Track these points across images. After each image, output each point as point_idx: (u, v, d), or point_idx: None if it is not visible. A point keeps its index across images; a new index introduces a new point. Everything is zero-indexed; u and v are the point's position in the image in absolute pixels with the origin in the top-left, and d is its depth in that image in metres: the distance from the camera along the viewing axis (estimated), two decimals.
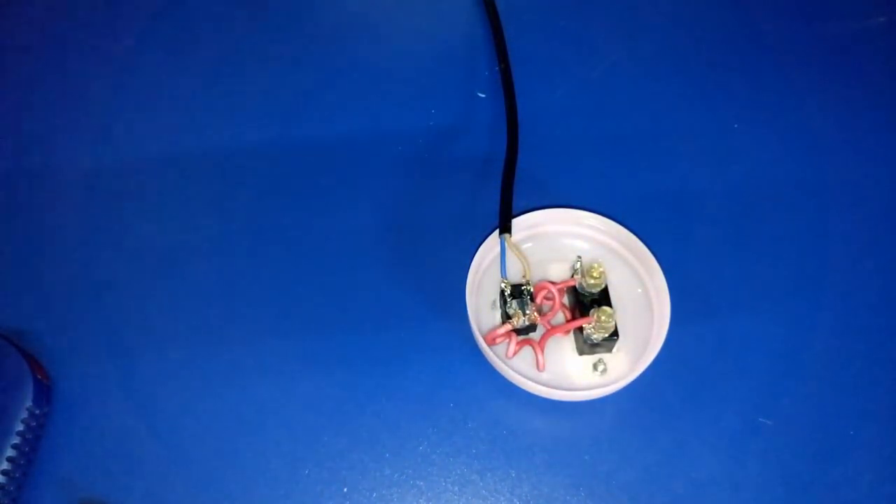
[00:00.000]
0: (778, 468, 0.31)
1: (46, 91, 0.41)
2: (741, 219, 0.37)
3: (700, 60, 0.42)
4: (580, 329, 0.32)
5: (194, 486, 0.31)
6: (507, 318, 0.32)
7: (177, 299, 0.35)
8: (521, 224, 0.35)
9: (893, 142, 0.39)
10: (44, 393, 0.32)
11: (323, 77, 0.41)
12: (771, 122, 0.40)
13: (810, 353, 0.34)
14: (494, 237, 0.34)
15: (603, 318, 0.31)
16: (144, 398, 0.33)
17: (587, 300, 0.33)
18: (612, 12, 0.44)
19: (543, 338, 0.32)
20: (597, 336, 0.32)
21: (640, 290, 0.35)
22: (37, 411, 0.31)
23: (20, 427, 0.30)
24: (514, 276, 0.33)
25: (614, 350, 0.33)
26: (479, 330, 0.33)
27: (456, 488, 0.31)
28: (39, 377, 0.32)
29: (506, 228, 0.33)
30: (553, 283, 0.33)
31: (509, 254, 0.33)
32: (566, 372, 0.33)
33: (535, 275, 0.34)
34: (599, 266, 0.33)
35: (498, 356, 0.32)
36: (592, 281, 0.32)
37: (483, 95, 0.40)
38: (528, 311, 0.32)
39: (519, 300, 0.32)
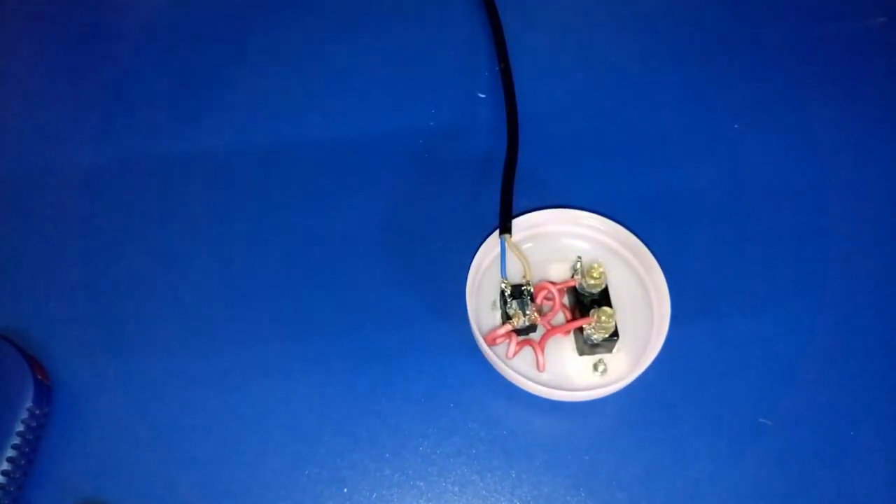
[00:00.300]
0: (778, 468, 0.31)
1: (47, 91, 0.41)
2: (741, 219, 0.37)
3: (700, 60, 0.42)
4: (580, 329, 0.32)
5: (194, 487, 0.31)
6: (507, 318, 0.32)
7: (177, 299, 0.35)
8: (522, 224, 0.35)
9: (893, 141, 0.39)
10: (44, 393, 0.32)
11: (323, 77, 0.41)
12: (771, 122, 0.40)
13: (810, 353, 0.34)
14: (494, 237, 0.34)
15: (603, 318, 0.31)
16: (144, 398, 0.33)
17: (587, 300, 0.33)
18: (613, 12, 0.44)
19: (543, 338, 0.32)
20: (597, 336, 0.32)
21: (640, 291, 0.35)
22: (37, 411, 0.31)
23: (20, 427, 0.30)
24: (515, 276, 0.33)
25: (614, 350, 0.33)
26: (480, 330, 0.33)
27: (456, 489, 0.31)
28: (39, 377, 0.32)
29: (506, 229, 0.33)
30: (553, 283, 0.33)
31: (509, 254, 0.33)
32: (566, 372, 0.33)
33: (536, 275, 0.34)
34: (599, 266, 0.33)
35: (498, 356, 0.32)
36: (592, 281, 0.32)
37: (483, 95, 0.40)
38: (528, 312, 0.32)
39: (519, 300, 0.32)
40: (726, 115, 0.40)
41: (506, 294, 0.32)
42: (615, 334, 0.32)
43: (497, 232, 0.34)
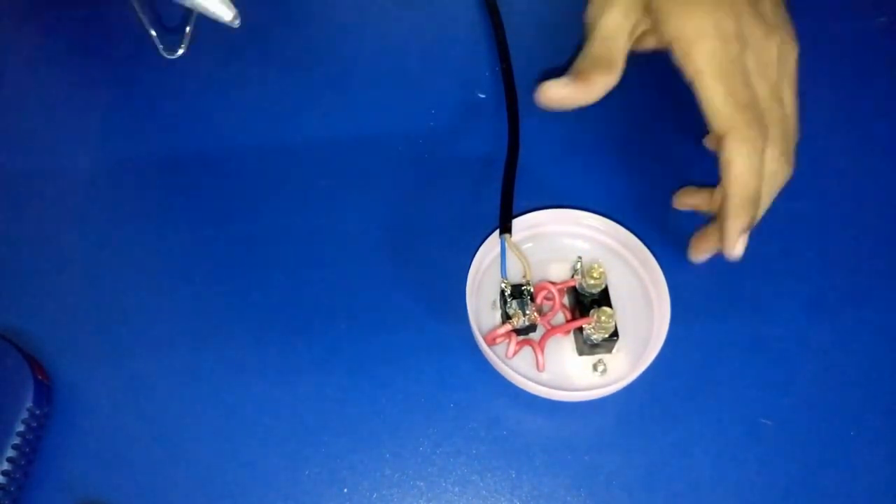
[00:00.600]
0: (778, 468, 0.31)
1: (47, 92, 0.41)
2: None
3: None
4: (580, 329, 0.32)
5: (194, 487, 0.31)
6: (507, 318, 0.32)
7: (177, 299, 0.35)
8: (522, 224, 0.35)
9: (893, 141, 0.39)
10: (44, 393, 0.32)
11: (323, 78, 0.41)
12: None
13: (810, 353, 0.34)
14: (494, 237, 0.34)
15: (603, 318, 0.31)
16: (144, 398, 0.33)
17: (587, 300, 0.33)
18: None
19: (543, 338, 0.32)
20: (597, 336, 0.32)
21: (640, 291, 0.35)
22: (37, 411, 0.31)
23: (20, 427, 0.30)
24: (515, 276, 0.33)
25: (614, 350, 0.33)
26: (480, 330, 0.33)
27: (456, 489, 0.31)
28: (39, 377, 0.32)
29: (506, 229, 0.33)
30: (553, 283, 0.33)
31: (509, 254, 0.33)
32: (566, 372, 0.33)
33: (536, 275, 0.34)
34: (599, 266, 0.33)
35: (498, 356, 0.32)
36: (592, 281, 0.32)
37: (483, 95, 0.40)
38: (528, 312, 0.32)
39: (519, 300, 0.32)
40: None
41: (506, 294, 0.32)
42: (615, 334, 0.32)
43: (497, 232, 0.34)
